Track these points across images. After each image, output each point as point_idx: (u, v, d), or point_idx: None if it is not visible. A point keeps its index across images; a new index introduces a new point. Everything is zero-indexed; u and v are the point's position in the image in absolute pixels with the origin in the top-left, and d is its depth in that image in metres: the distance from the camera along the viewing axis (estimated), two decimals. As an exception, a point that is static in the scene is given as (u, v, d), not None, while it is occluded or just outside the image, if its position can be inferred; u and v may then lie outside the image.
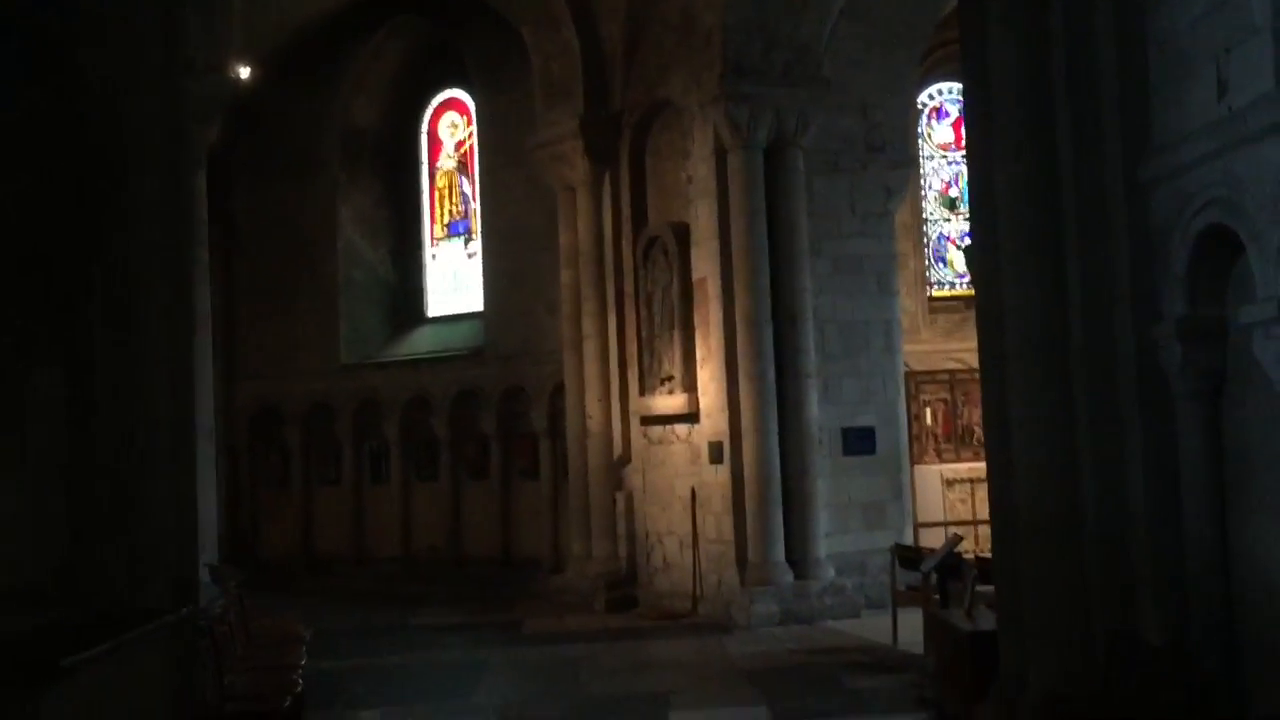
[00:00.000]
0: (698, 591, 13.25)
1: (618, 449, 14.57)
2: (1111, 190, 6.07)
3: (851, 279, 13.39)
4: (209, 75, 11.08)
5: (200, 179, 11.41)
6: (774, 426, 12.64)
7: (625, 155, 14.38)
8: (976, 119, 6.99)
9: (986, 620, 7.45)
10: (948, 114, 19.54)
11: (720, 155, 12.93)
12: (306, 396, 18.43)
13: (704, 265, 13.26)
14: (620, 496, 14.50)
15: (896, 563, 11.19)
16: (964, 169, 20.11)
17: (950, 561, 8.91)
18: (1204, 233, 5.59)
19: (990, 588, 8.21)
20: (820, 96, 12.89)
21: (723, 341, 12.89)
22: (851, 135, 13.50)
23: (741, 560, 12.69)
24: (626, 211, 14.43)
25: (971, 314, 19.61)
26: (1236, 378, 5.67)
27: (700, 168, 13.28)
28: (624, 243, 14.45)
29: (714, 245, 13.02)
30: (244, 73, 11.77)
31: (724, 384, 12.86)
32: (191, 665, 6.37)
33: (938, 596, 9.16)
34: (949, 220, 19.67)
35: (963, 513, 16.69)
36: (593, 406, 14.61)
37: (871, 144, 13.57)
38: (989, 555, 9.40)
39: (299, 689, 7.82)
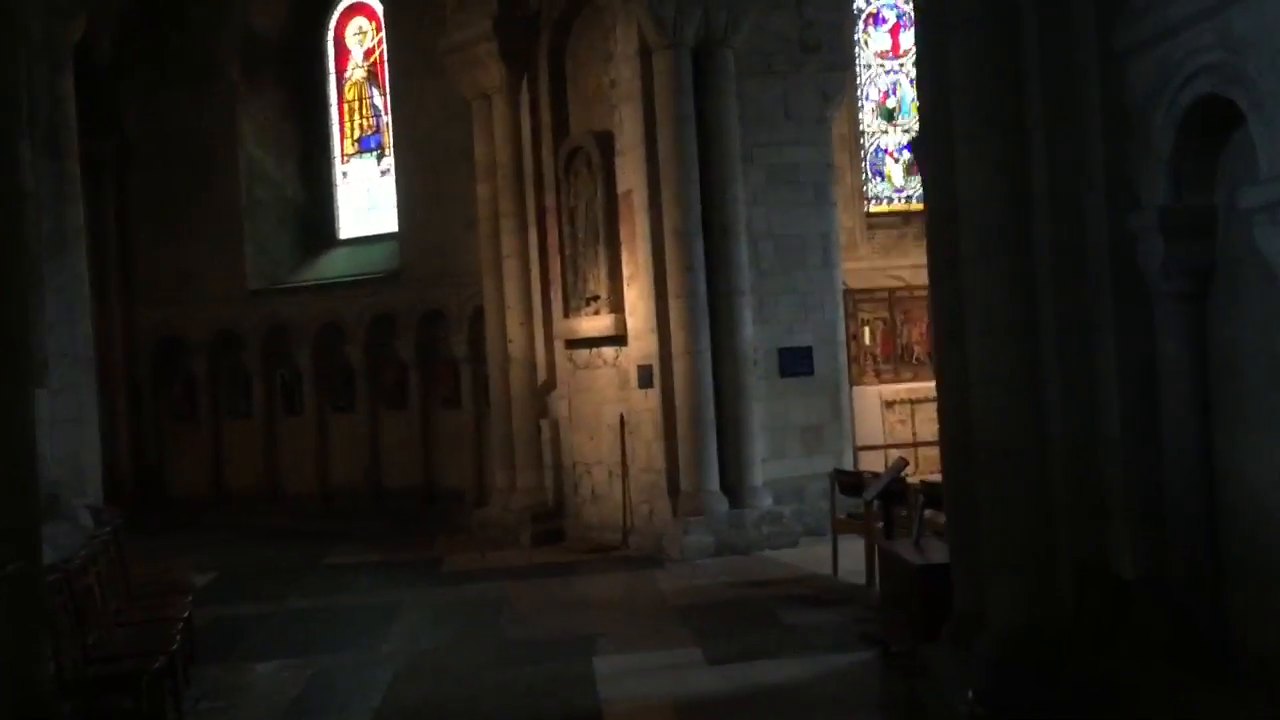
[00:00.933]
0: (628, 523, 12.55)
1: (542, 375, 13.75)
2: (1082, 60, 5.28)
3: (787, 189, 12.57)
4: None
5: (66, 78, 10.25)
6: (706, 347, 11.89)
7: (544, 58, 13.35)
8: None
9: (937, 552, 6.79)
10: (885, 20, 18.68)
11: (645, 56, 11.98)
12: (212, 324, 17.32)
13: (630, 176, 12.37)
14: (545, 424, 13.71)
15: (836, 489, 10.54)
16: (902, 78, 19.47)
17: (895, 488, 8.24)
18: (1192, 107, 4.83)
19: (939, 515, 7.57)
20: (752, -9, 11.96)
21: (650, 257, 12.05)
22: (785, 35, 12.59)
23: (674, 490, 12.00)
24: (547, 119, 13.44)
25: (910, 230, 19.12)
26: (1225, 277, 4.97)
27: (624, 70, 12.32)
28: (544, 154, 13.49)
29: (640, 154, 12.12)
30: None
31: (653, 303, 12.05)
32: (35, 628, 5.47)
33: (881, 525, 8.51)
34: (886, 132, 18.88)
35: (902, 435, 16.14)
36: (514, 330, 13.74)
37: (806, 44, 12.67)
38: (936, 480, 8.77)
39: (175, 645, 6.97)
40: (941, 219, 6.05)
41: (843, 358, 13.00)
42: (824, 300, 12.73)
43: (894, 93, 18.92)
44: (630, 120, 12.27)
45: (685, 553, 11.53)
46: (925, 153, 6.32)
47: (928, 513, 7.36)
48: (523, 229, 13.64)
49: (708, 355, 11.90)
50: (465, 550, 13.20)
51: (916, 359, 17.16)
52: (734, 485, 12.00)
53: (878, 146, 18.83)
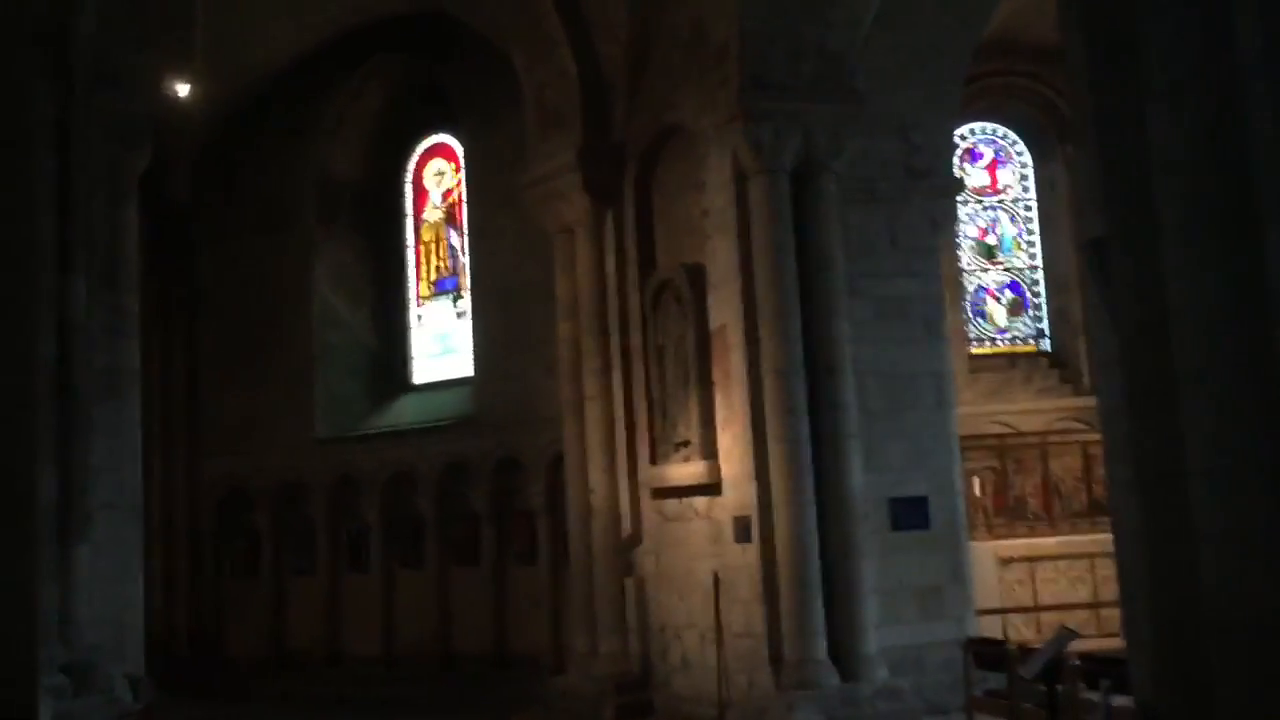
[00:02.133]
0: (724, 695, 11.16)
1: (626, 527, 12.59)
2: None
3: (895, 324, 11.52)
4: (136, 89, 9.36)
5: (127, 211, 9.66)
6: (810, 497, 10.69)
7: (630, 190, 12.62)
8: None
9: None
10: (981, 155, 17.89)
11: (740, 183, 11.17)
12: (278, 474, 16.50)
13: (723, 311, 11.42)
14: (630, 583, 12.48)
15: (971, 661, 9.14)
16: (1000, 214, 18.54)
17: (1057, 663, 6.89)
18: None
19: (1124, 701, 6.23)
20: (853, 113, 11.16)
21: (747, 398, 10.99)
22: (889, 159, 11.74)
23: (776, 658, 10.64)
24: (632, 254, 12.63)
25: (1016, 373, 17.89)
26: None
27: (717, 198, 11.50)
28: (630, 290, 12.63)
29: (735, 287, 11.19)
30: (182, 90, 10.00)
31: (750, 448, 10.92)
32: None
33: (1045, 710, 7.13)
34: (986, 270, 17.89)
35: (1022, 597, 14.67)
36: (596, 478, 12.66)
37: (913, 169, 11.80)
38: (1112, 656, 7.40)
39: None
40: (1142, 334, 4.92)
41: (961, 509, 11.69)
42: (938, 445, 11.51)
43: (993, 230, 17.99)
44: (724, 251, 11.39)
45: (792, 732, 10.11)
46: (1113, 253, 5.23)
47: (1115, 699, 6.01)
48: (606, 370, 12.70)
49: (812, 506, 10.70)
50: (542, 725, 11.89)
51: (1032, 513, 15.79)
52: (844, 654, 10.61)
53: (978, 285, 17.80)
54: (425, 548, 15.50)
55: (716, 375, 11.53)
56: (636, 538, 12.54)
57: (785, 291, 10.88)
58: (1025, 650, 8.37)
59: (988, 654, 8.88)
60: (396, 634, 15.54)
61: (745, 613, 11.02)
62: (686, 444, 11.78)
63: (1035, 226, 17.91)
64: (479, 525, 15.16)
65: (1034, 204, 17.95)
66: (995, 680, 9.64)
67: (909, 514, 11.27)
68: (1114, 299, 5.32)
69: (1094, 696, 7.44)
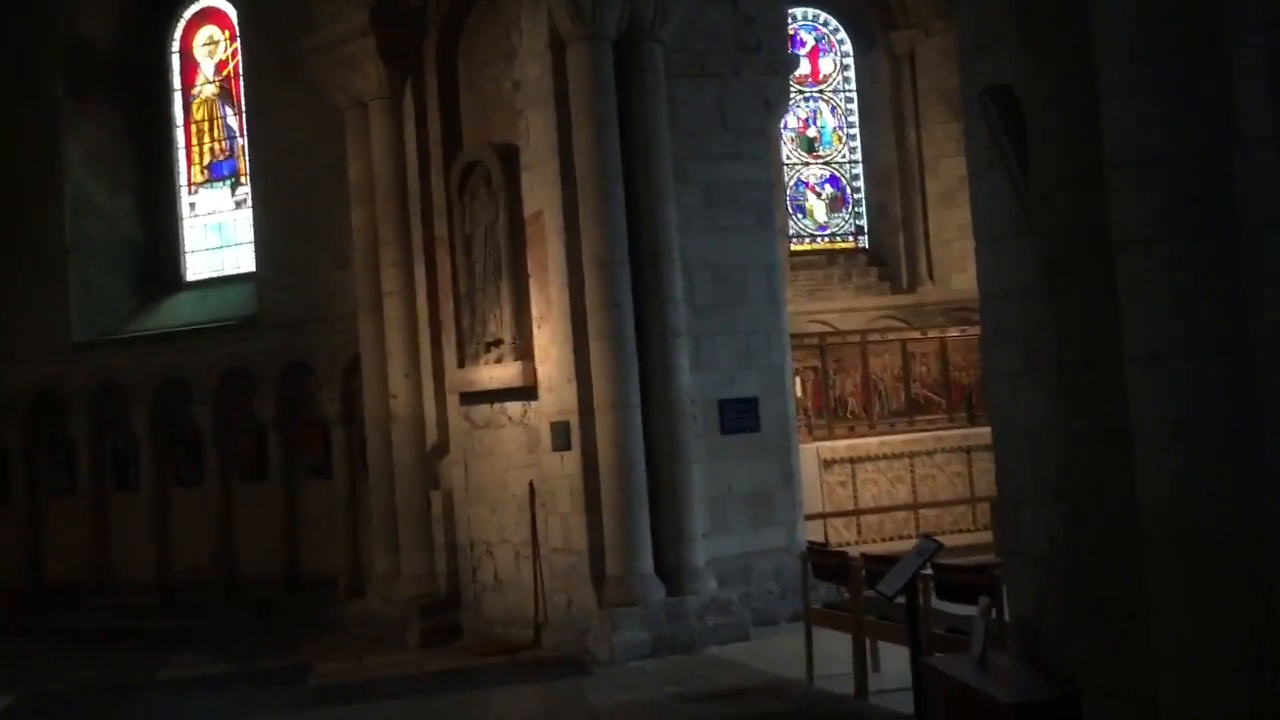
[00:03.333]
0: (541, 616, 10.27)
1: (432, 436, 11.43)
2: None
3: (725, 211, 10.61)
4: None
5: None
6: (636, 399, 9.79)
7: (432, 58, 11.21)
8: None
9: (1026, 682, 4.74)
10: (803, 43, 17.09)
11: (558, 50, 9.96)
12: (29, 383, 14.55)
13: (539, 195, 10.26)
14: (436, 496, 11.38)
15: (810, 571, 8.46)
16: (822, 106, 17.88)
17: (918, 578, 6.19)
18: None
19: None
20: (684, -25, 10.05)
21: (566, 291, 9.93)
22: (720, 30, 10.72)
23: (598, 574, 9.79)
24: (436, 132, 11.27)
25: (835, 270, 17.44)
26: None
27: (531, 67, 10.25)
28: (433, 172, 11.31)
29: (552, 167, 10.03)
30: None
31: (569, 347, 9.91)
32: None
33: (901, 626, 6.46)
34: (808, 164, 17.25)
35: (842, 499, 14.29)
36: (397, 383, 11.41)
37: (744, 43, 10.82)
38: (974, 565, 6.78)
39: None
40: (1056, 194, 4.07)
41: (792, 411, 11.02)
42: (769, 343, 10.76)
43: (814, 121, 17.32)
44: (539, 128, 10.19)
45: (616, 653, 9.31)
46: (1006, 105, 4.36)
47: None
48: (407, 262, 11.38)
49: (637, 409, 9.80)
50: (338, 654, 10.74)
51: (851, 412, 15.40)
52: (671, 568, 9.85)
53: (798, 179, 17.15)
54: (204, 463, 13.92)
55: (531, 266, 10.41)
56: (443, 447, 11.41)
57: (608, 173, 9.81)
58: (871, 560, 7.71)
59: (826, 565, 8.20)
60: (173, 558, 13.99)
61: (564, 526, 10.10)
62: (498, 343, 10.67)
63: (856, 119, 17.33)
64: (265, 436, 13.68)
65: (855, 95, 17.34)
66: (828, 591, 9.07)
67: (739, 416, 10.51)
68: (1023, 154, 4.46)
69: (954, 610, 6.86)
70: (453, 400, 11.26)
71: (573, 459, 9.95)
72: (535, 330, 10.38)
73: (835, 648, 8.14)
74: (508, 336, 10.54)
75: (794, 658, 8.59)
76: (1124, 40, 3.60)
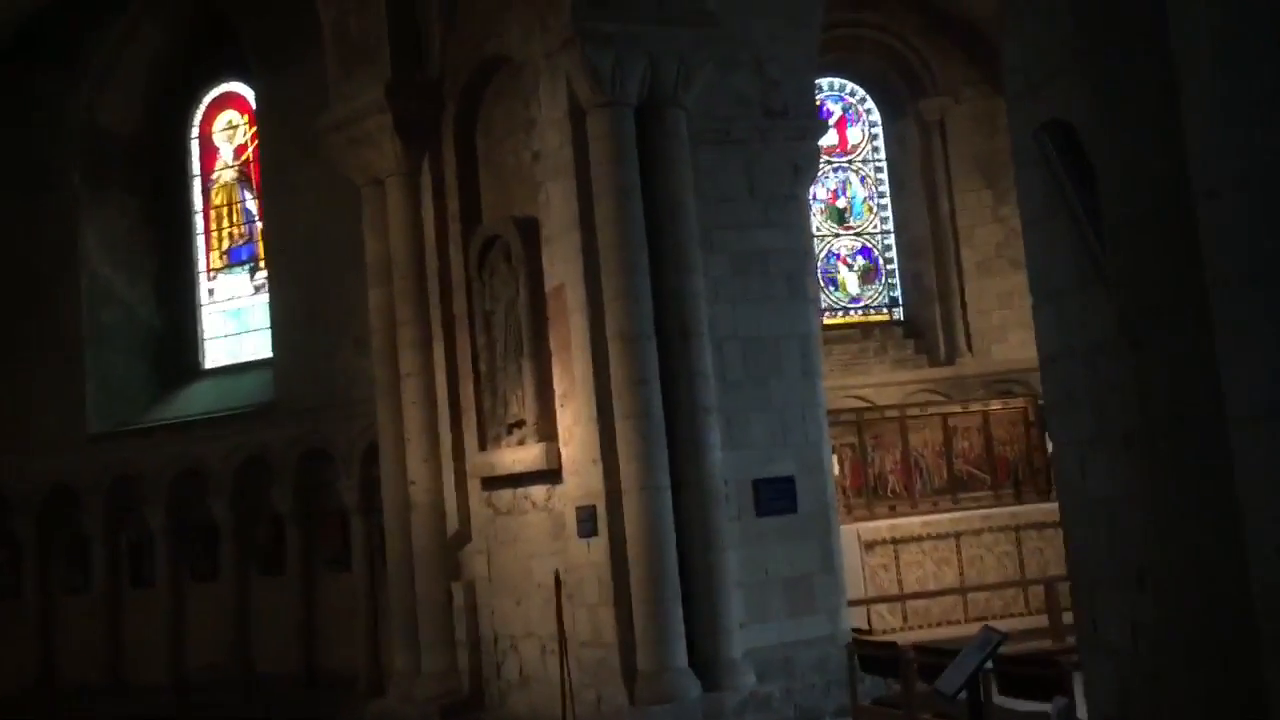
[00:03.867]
0: (570, 714, 9.59)
1: (453, 524, 10.89)
2: None
3: (755, 281, 10.15)
4: None
5: None
6: (665, 481, 9.24)
7: (450, 132, 10.91)
8: None
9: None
10: (830, 113, 16.77)
11: (577, 119, 9.61)
12: (45, 477, 14.18)
13: (561, 268, 9.85)
14: (458, 588, 10.80)
15: (857, 664, 7.81)
16: (851, 176, 17.53)
17: (981, 673, 5.56)
18: None
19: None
20: (706, 39, 9.72)
21: (590, 369, 9.45)
22: (745, 96, 10.36)
23: (629, 669, 9.16)
24: (454, 206, 10.93)
25: (870, 344, 16.91)
26: None
27: (551, 137, 9.91)
28: (452, 248, 10.93)
29: (573, 239, 9.63)
30: None
31: (595, 427, 9.40)
32: None
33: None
34: (838, 235, 16.83)
35: (885, 583, 13.57)
36: (416, 468, 10.91)
37: (770, 108, 10.45)
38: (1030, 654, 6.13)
39: None
40: (1132, 237, 3.56)
41: (831, 489, 10.42)
42: (806, 418, 10.20)
43: (843, 192, 16.94)
44: (560, 199, 9.81)
45: (650, 755, 8.64)
46: (1068, 142, 3.88)
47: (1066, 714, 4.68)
48: (426, 342, 10.96)
49: (667, 492, 9.25)
50: (356, 759, 10.10)
51: (892, 490, 14.76)
52: (706, 661, 9.21)
53: (829, 251, 16.73)
54: (220, 556, 13.46)
55: (554, 344, 9.96)
56: (465, 535, 10.86)
57: (632, 244, 9.39)
58: (924, 651, 7.07)
59: (875, 657, 7.57)
60: (189, 656, 13.46)
61: (592, 618, 9.49)
62: (520, 425, 10.18)
63: (886, 188, 16.94)
64: (283, 528, 13.22)
65: (884, 164, 16.97)
66: (874, 684, 8.41)
67: (775, 496, 9.93)
68: (1088, 195, 3.96)
69: (1019, 706, 6.20)
70: (474, 485, 10.75)
71: (600, 546, 9.38)
72: (558, 410, 9.90)
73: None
74: (530, 417, 10.05)
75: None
76: (1208, 50, 3.11)
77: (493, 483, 10.52)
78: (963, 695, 5.51)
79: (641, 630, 9.11)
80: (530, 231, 10.17)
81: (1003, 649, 7.15)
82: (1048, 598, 11.65)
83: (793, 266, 10.37)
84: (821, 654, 9.86)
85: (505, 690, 10.41)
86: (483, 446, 10.56)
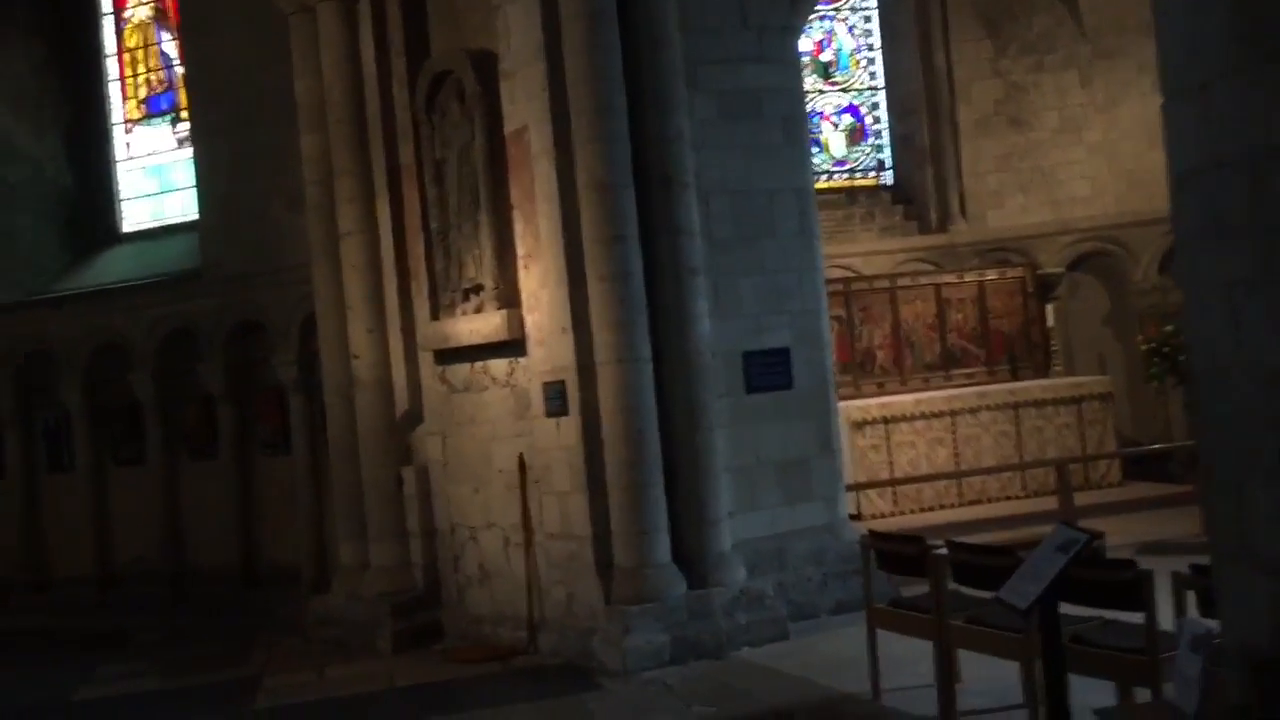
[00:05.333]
0: (537, 614, 8.57)
1: (403, 403, 9.70)
2: None
3: (746, 126, 8.81)
4: None
5: None
6: (646, 353, 8.06)
7: (391, -51, 9.37)
8: None
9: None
10: (828, -63, 15.24)
11: (542, -72, 8.13)
12: (-55, 353, 12.75)
13: (523, 108, 8.47)
14: (410, 473, 9.65)
15: (874, 560, 6.76)
16: (838, 26, 16.07)
17: (1057, 582, 4.46)
18: None
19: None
20: None
21: (559, 223, 8.17)
22: (738, -94, 8.89)
23: (604, 564, 8.10)
24: (398, 38, 9.45)
25: (857, 210, 15.62)
26: None
27: (511, -49, 8.43)
28: (396, 87, 9.50)
29: (537, 72, 8.24)
30: None
31: (564, 291, 8.16)
32: None
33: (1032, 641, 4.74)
34: (822, 92, 15.44)
35: (876, 464, 12.58)
36: (360, 340, 9.65)
37: (767, -77, 8.98)
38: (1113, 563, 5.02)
39: None
40: None
41: (830, 363, 9.26)
42: (802, 283, 8.98)
43: (828, 44, 15.50)
44: (521, 25, 8.38)
45: (628, 661, 7.62)
46: None
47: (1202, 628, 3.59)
48: (368, 196, 9.59)
49: (648, 364, 8.07)
50: (296, 664, 9.05)
51: (881, 367, 13.72)
52: (693, 555, 8.15)
53: (812, 110, 15.33)
54: (146, 440, 12.20)
55: (516, 195, 8.64)
56: (416, 415, 9.68)
57: (607, 77, 8.02)
58: (961, 549, 6.01)
59: (897, 554, 6.50)
60: (115, 549, 12.30)
61: (562, 507, 8.38)
62: (478, 289, 8.92)
63: (876, 40, 15.51)
64: (214, 408, 11.94)
65: (874, 13, 15.51)
66: (880, 582, 7.37)
67: (768, 371, 8.77)
68: None
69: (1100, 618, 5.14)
70: (426, 359, 9.52)
71: (571, 426, 8.22)
72: (522, 272, 8.63)
73: (897, 649, 6.52)
74: (489, 281, 8.79)
75: (847, 662, 6.99)
76: None
77: (447, 356, 9.29)
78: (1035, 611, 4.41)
79: (619, 521, 8.03)
80: (486, 65, 8.75)
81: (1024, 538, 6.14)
82: (1059, 480, 10.70)
83: (789, 110, 9.03)
84: (818, 545, 8.85)
85: (464, 586, 9.35)
86: (435, 315, 9.31)
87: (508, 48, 8.59)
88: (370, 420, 9.66)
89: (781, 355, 8.85)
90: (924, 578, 6.24)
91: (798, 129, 9.09)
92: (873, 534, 6.88)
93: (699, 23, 8.65)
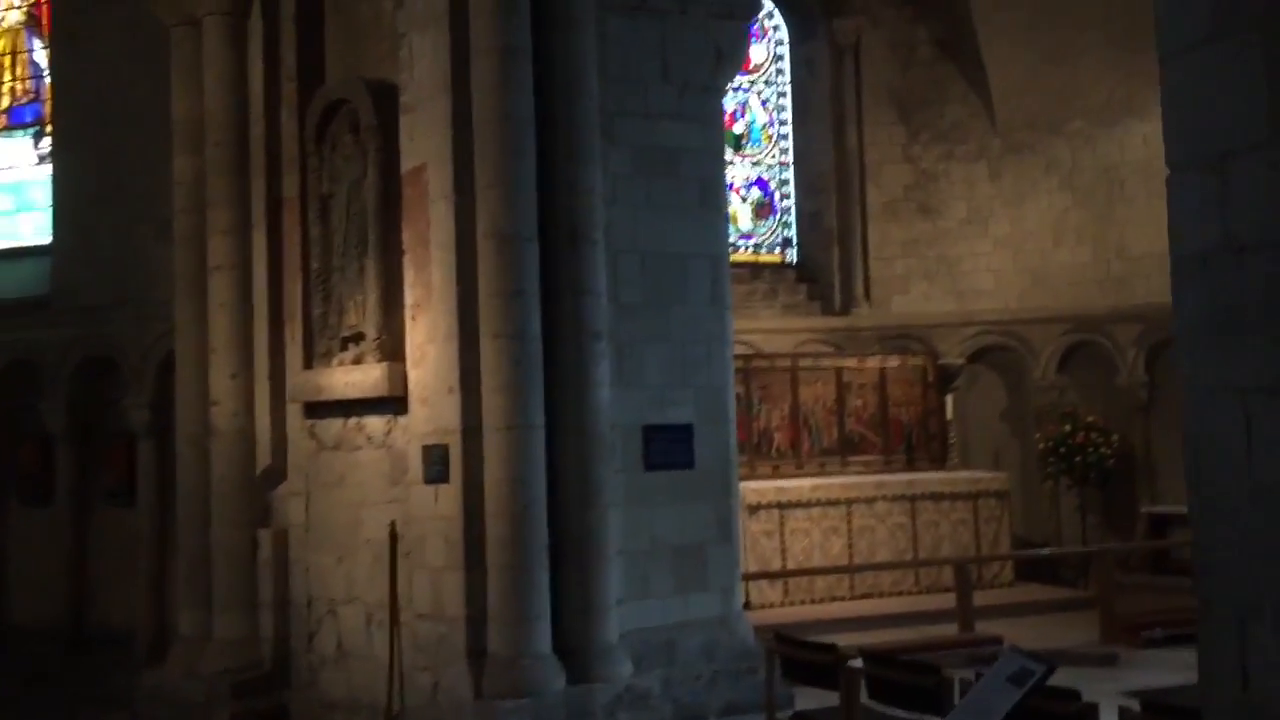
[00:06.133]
0: (396, 703, 7.68)
1: (265, 457, 8.80)
2: None
3: (663, 185, 8.27)
4: None
5: None
6: (540, 419, 7.37)
7: (290, -34, 8.66)
8: None
9: None
10: None
11: (456, -44, 7.53)
12: None
13: (422, 144, 7.79)
14: (266, 536, 8.73)
15: (778, 666, 6.12)
16: (751, 98, 15.78)
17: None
18: None
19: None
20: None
21: (453, 273, 7.47)
22: (665, -43, 8.43)
23: (477, 651, 7.31)
24: (290, 61, 8.73)
25: (759, 286, 15.16)
26: None
27: (421, -23, 7.80)
28: (284, 113, 8.75)
29: (441, 108, 7.59)
30: None
31: (453, 346, 7.45)
32: None
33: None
34: (732, 164, 15.08)
35: (767, 550, 12.02)
36: (222, 386, 8.75)
37: (695, -25, 8.54)
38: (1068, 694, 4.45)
39: None
40: None
41: (733, 444, 8.65)
42: (711, 356, 8.40)
43: (741, 115, 15.19)
44: (427, 56, 7.74)
45: (497, 764, 6.81)
46: None
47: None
48: (244, 229, 8.77)
49: (541, 432, 7.38)
50: (117, 748, 7.98)
51: (777, 449, 13.23)
52: (576, 646, 7.40)
53: (721, 180, 14.95)
54: (-29, 480, 10.96)
55: (408, 239, 7.92)
56: (279, 473, 8.78)
57: (517, 118, 7.41)
58: (876, 661, 5.40)
59: (806, 662, 5.87)
60: (-76, 601, 10.96)
61: (435, 585, 7.57)
62: (359, 339, 8.13)
63: (789, 116, 15.27)
64: (52, 450, 10.78)
65: (789, 89, 15.29)
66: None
67: (670, 447, 8.13)
68: None
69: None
70: (294, 411, 8.67)
71: (451, 496, 7.45)
72: (408, 323, 7.88)
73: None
74: (371, 330, 8.01)
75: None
76: None
77: (319, 409, 8.45)
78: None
79: (497, 604, 7.26)
80: (386, 97, 8.06)
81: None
82: (958, 580, 10.25)
83: (707, 172, 8.52)
84: (710, 639, 8.18)
85: (318, 666, 8.41)
86: (309, 364, 8.48)
87: (410, 79, 7.92)
88: (226, 475, 8.73)
89: (685, 432, 8.23)
90: (833, 689, 5.64)
91: (715, 192, 8.57)
92: (779, 637, 6.25)
93: (619, 71, 8.12)
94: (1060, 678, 4.56)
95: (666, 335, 8.22)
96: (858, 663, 5.48)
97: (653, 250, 8.21)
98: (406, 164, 7.94)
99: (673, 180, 8.33)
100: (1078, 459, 13.11)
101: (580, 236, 7.62)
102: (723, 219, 8.75)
